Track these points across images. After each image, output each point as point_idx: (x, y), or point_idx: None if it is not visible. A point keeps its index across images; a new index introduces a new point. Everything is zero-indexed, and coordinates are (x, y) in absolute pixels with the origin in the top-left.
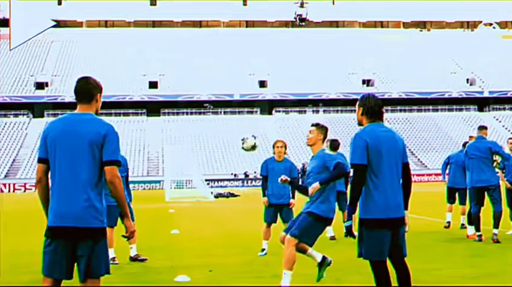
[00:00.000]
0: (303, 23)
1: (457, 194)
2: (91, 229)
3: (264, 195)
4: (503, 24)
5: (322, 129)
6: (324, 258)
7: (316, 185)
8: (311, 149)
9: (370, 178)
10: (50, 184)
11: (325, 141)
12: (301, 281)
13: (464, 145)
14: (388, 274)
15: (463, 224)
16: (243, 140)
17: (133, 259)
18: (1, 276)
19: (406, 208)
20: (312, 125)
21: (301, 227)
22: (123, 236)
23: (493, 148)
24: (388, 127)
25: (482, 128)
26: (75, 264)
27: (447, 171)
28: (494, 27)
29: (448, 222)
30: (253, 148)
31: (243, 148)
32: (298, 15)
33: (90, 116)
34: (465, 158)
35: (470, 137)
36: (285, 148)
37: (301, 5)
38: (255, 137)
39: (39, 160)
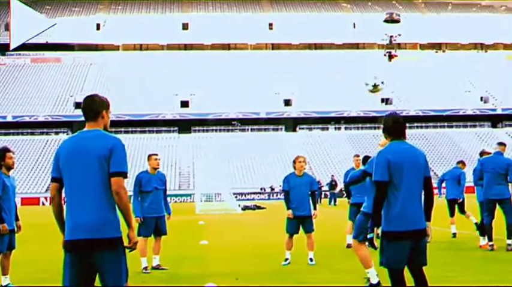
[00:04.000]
0: (391, 61)
1: (456, 206)
2: (105, 240)
3: (288, 208)
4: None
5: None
6: (378, 283)
7: None
8: None
9: (392, 192)
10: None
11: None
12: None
13: (458, 163)
14: (405, 280)
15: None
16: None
17: (155, 268)
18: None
19: (428, 219)
20: None
21: (357, 228)
22: (126, 247)
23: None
24: (410, 143)
25: (501, 144)
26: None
27: (443, 185)
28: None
29: (454, 233)
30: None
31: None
32: (387, 52)
33: (97, 132)
34: (477, 171)
35: (483, 152)
36: (305, 163)
37: (390, 42)
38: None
39: (52, 179)
